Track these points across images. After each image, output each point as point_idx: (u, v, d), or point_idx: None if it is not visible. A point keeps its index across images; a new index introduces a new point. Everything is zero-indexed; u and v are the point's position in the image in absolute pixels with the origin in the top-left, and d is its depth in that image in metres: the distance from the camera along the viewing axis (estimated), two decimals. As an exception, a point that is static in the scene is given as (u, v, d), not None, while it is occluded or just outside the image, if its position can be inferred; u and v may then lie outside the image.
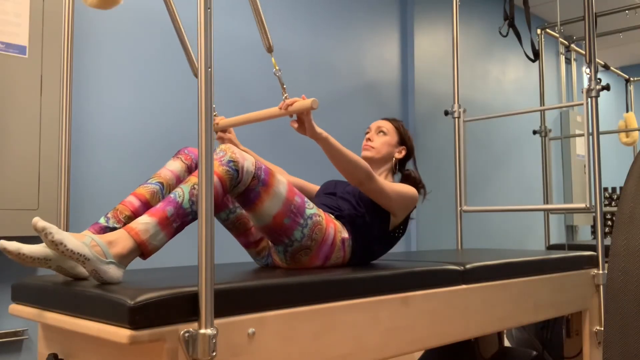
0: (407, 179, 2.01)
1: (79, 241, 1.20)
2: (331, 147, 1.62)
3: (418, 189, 1.94)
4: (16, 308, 1.46)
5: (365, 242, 1.76)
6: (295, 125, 1.64)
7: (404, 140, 2.02)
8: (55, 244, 1.17)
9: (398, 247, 3.72)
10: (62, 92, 1.70)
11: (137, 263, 1.89)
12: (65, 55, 1.70)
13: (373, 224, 1.78)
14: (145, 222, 1.30)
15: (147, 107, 2.57)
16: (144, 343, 1.10)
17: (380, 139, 1.99)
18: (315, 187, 2.10)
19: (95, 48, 2.43)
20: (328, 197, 1.89)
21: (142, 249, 1.29)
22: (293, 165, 3.10)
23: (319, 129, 1.60)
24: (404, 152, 2.01)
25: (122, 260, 1.27)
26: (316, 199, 1.95)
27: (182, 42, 1.90)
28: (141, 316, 1.09)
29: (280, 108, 1.60)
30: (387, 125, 2.02)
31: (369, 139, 2.01)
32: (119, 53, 2.50)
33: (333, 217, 1.73)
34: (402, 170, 2.04)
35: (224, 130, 1.93)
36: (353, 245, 1.73)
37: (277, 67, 1.63)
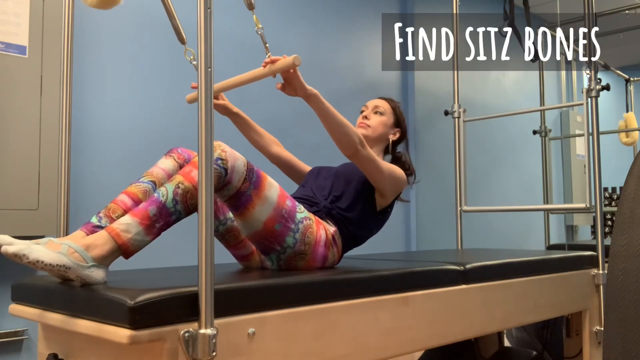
0: (397, 160, 1.98)
1: (55, 252, 1.19)
2: (323, 104, 1.57)
3: (408, 173, 1.91)
4: (16, 308, 1.46)
5: (350, 228, 1.74)
6: (282, 87, 1.57)
7: (399, 122, 1.99)
8: (33, 264, 1.15)
9: (398, 247, 3.72)
10: (62, 92, 1.70)
11: (138, 264, 1.89)
12: (65, 55, 1.69)
13: (354, 206, 1.74)
14: (126, 223, 1.28)
15: (147, 106, 2.57)
16: (144, 343, 1.10)
17: (377, 118, 1.95)
18: (306, 168, 2.06)
19: (95, 48, 2.43)
20: (304, 188, 1.86)
21: (123, 250, 1.28)
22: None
23: (308, 87, 1.55)
24: (398, 134, 1.98)
25: (103, 261, 1.26)
26: (300, 188, 1.92)
27: (168, 12, 1.80)
28: (141, 316, 1.09)
29: (264, 66, 1.54)
30: (384, 105, 1.98)
31: (365, 117, 1.96)
32: (118, 53, 2.50)
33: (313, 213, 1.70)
34: (394, 152, 2.01)
35: (215, 97, 1.88)
36: (342, 236, 1.71)
37: (259, 26, 1.53)
